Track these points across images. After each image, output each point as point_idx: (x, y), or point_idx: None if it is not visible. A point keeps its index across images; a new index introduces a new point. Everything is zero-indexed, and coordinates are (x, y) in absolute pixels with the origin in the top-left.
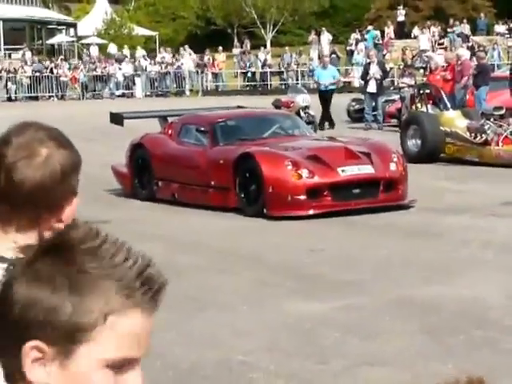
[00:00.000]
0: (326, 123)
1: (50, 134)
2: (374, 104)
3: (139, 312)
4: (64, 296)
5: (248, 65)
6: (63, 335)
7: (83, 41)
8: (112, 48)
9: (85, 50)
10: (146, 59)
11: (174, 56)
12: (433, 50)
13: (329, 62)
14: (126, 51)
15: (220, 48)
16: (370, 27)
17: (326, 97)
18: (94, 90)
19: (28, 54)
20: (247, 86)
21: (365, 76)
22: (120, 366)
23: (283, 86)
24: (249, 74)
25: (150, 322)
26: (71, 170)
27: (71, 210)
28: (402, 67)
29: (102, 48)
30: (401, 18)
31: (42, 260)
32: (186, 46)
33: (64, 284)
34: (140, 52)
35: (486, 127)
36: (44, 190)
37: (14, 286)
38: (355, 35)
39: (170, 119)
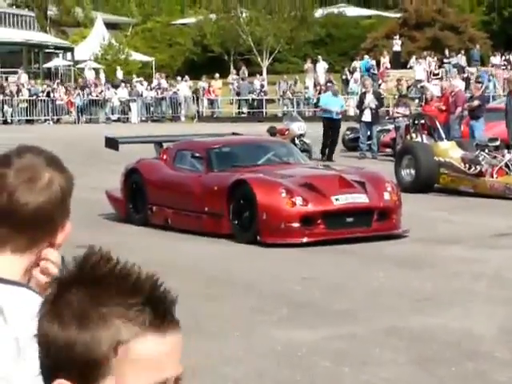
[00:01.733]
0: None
1: (49, 158)
2: (368, 133)
3: (150, 335)
4: (74, 332)
5: (248, 91)
6: (82, 372)
7: (80, 65)
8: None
9: (83, 74)
10: (141, 84)
11: (167, 80)
12: (428, 81)
13: (337, 90)
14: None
15: (217, 75)
16: (366, 56)
17: (333, 125)
18: (90, 115)
19: (24, 77)
20: (242, 112)
21: (360, 105)
22: None
23: (279, 114)
24: (249, 101)
25: (170, 341)
26: (69, 193)
27: (65, 233)
28: (397, 97)
29: (99, 72)
30: (397, 48)
31: (58, 296)
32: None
33: (73, 320)
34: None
35: (481, 158)
36: (45, 213)
37: (39, 326)
38: (355, 63)
39: (165, 145)
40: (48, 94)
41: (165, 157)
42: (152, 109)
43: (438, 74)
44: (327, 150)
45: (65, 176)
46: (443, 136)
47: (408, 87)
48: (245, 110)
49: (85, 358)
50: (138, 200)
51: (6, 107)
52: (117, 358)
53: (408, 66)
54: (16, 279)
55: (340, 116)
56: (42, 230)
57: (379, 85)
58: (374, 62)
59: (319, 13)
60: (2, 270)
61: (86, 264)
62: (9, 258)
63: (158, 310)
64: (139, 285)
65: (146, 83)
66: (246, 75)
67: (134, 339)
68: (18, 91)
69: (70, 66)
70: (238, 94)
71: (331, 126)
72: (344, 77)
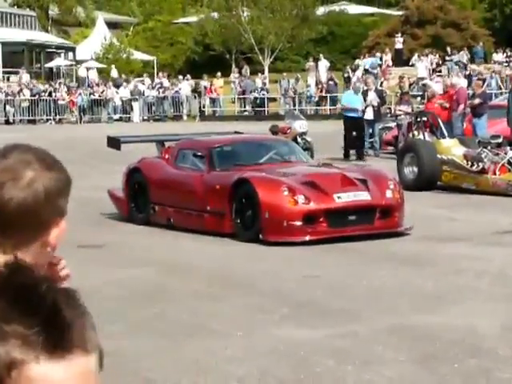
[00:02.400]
0: (352, 151)
1: (36, 156)
2: (370, 131)
3: (44, 360)
4: None
5: (250, 90)
6: None
7: (82, 65)
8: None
9: (79, 72)
10: (143, 84)
11: (169, 79)
12: (430, 78)
13: (359, 88)
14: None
15: (218, 74)
16: (377, 54)
17: (358, 124)
18: (92, 114)
19: (26, 77)
20: (245, 110)
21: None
22: None
23: (281, 112)
24: (250, 99)
25: (68, 367)
26: (57, 191)
27: (59, 232)
28: (399, 95)
29: (103, 72)
30: (399, 46)
31: None
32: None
33: None
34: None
35: (483, 155)
36: (27, 211)
37: None
38: (359, 61)
39: (167, 144)
40: (50, 94)
41: (167, 156)
42: (154, 108)
43: (440, 72)
44: (356, 150)
45: (52, 174)
46: (445, 133)
47: (410, 85)
48: (248, 107)
49: None
50: (140, 199)
51: (8, 107)
52: (11, 380)
53: (410, 64)
54: None
55: (362, 114)
56: (28, 230)
57: (381, 82)
58: (377, 61)
59: (321, 11)
60: None
61: (6, 275)
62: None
63: (54, 333)
64: (40, 305)
65: (147, 82)
66: (248, 74)
67: (28, 362)
68: (20, 91)
69: (71, 65)
70: (243, 92)
71: (356, 125)
72: (346, 75)
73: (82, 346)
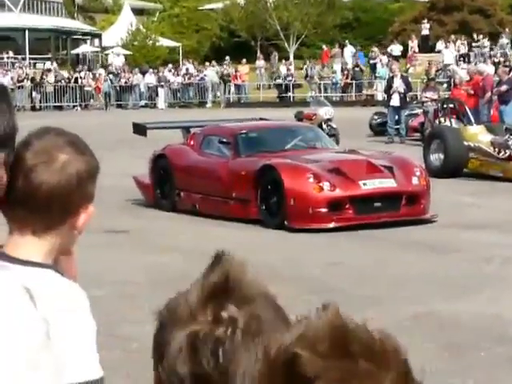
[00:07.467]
0: None
1: (69, 140)
2: (396, 118)
3: None
4: None
5: (275, 77)
6: None
7: (108, 51)
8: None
9: (108, 58)
10: (169, 70)
11: (194, 65)
12: (457, 65)
13: None
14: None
15: (244, 60)
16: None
17: None
18: (118, 101)
19: (52, 64)
20: (270, 97)
21: (388, 89)
22: None
23: (307, 99)
24: (278, 85)
25: None
26: (87, 176)
27: (87, 216)
28: (425, 81)
29: (129, 59)
30: (425, 32)
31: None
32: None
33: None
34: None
35: (510, 142)
36: (60, 195)
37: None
38: (394, 46)
39: (192, 130)
40: (76, 81)
41: (192, 142)
42: (179, 94)
43: (466, 58)
44: None
45: (84, 159)
46: (472, 120)
47: (436, 71)
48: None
49: None
50: (166, 185)
51: (34, 93)
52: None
53: (436, 50)
54: (38, 261)
55: None
56: (58, 212)
57: (407, 69)
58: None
59: None
60: (24, 252)
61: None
62: (29, 240)
63: None
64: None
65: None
66: (277, 60)
67: None
68: (46, 77)
69: (97, 52)
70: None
71: None
72: (372, 61)
73: None
